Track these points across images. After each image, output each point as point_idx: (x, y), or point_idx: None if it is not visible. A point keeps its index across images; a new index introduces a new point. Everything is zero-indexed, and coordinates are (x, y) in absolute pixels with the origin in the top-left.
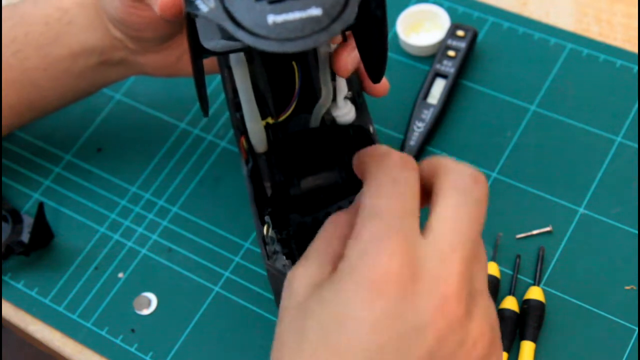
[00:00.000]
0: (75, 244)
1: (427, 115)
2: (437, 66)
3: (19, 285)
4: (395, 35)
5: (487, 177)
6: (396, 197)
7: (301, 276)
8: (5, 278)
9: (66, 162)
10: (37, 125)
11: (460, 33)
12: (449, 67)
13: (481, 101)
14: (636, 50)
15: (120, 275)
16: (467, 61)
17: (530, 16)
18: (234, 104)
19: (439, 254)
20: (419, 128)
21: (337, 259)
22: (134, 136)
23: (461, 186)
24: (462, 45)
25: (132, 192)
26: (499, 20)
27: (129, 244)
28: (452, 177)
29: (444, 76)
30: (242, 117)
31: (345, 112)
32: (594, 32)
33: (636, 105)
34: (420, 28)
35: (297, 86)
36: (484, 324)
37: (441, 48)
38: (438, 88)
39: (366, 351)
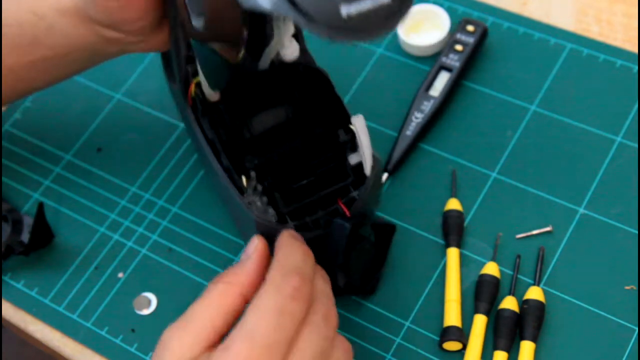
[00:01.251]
0: (75, 244)
1: (427, 107)
2: (443, 59)
3: (19, 285)
4: (395, 35)
5: (487, 177)
6: (277, 327)
7: (179, 343)
8: (5, 278)
9: (66, 162)
10: (37, 125)
11: (470, 28)
12: (454, 60)
13: (481, 101)
14: (636, 50)
15: (120, 275)
16: (475, 57)
17: (530, 16)
18: (186, 58)
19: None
20: (417, 119)
21: (216, 337)
22: (134, 136)
23: (324, 317)
24: (471, 40)
25: (132, 192)
26: (499, 20)
27: (129, 244)
28: (316, 309)
29: (448, 69)
30: (194, 69)
31: (292, 50)
32: (594, 32)
33: (636, 105)
34: (420, 28)
35: (246, 31)
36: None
37: (449, 41)
38: (441, 81)
39: None
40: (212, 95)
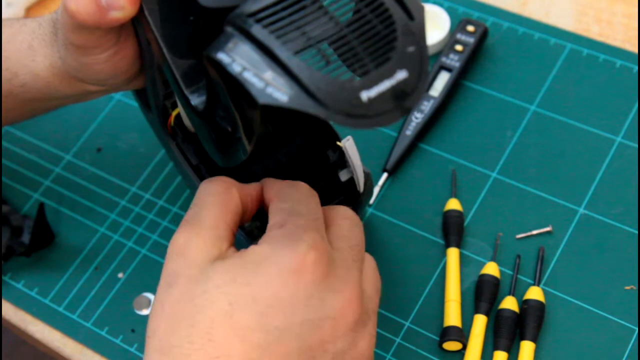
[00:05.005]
0: (75, 244)
1: (427, 107)
2: (443, 59)
3: (19, 285)
4: None
5: (487, 177)
6: (314, 207)
7: (197, 247)
8: (5, 278)
9: (66, 162)
10: (37, 125)
11: (470, 28)
12: (454, 61)
13: (481, 101)
14: (636, 50)
15: (120, 275)
16: (475, 57)
17: (530, 16)
18: (164, 95)
19: (344, 262)
20: (417, 119)
21: (231, 235)
22: (134, 136)
23: (345, 215)
24: (471, 40)
25: (132, 192)
26: (499, 20)
27: (129, 244)
28: (337, 210)
29: (448, 69)
30: (172, 101)
31: None
32: (594, 32)
33: (636, 105)
34: None
35: None
36: (370, 343)
37: (449, 41)
38: (441, 81)
39: (268, 332)
40: (192, 126)
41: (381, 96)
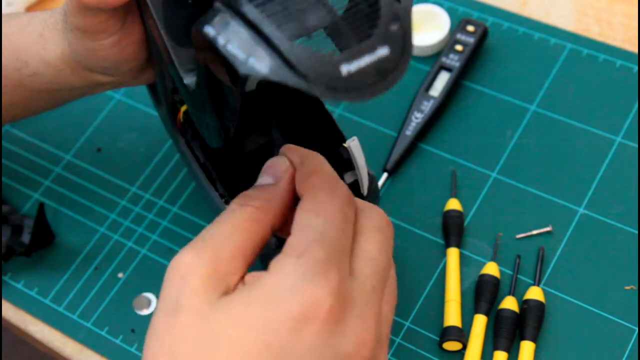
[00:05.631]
0: (75, 244)
1: (427, 107)
2: (443, 59)
3: (19, 285)
4: None
5: (487, 177)
6: (344, 232)
7: (203, 276)
8: (5, 278)
9: (66, 162)
10: (37, 125)
11: (470, 28)
12: (454, 61)
13: (481, 101)
14: (636, 50)
15: (120, 275)
16: (475, 57)
17: (530, 16)
18: (172, 89)
19: (364, 294)
20: (417, 119)
21: (246, 269)
22: (134, 136)
23: (379, 226)
24: (471, 40)
25: (132, 192)
26: (499, 20)
27: (129, 244)
28: (371, 218)
29: (448, 69)
30: (180, 98)
31: None
32: (594, 32)
33: (636, 105)
34: (420, 28)
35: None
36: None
37: (449, 42)
38: (441, 81)
39: None
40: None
41: (361, 71)
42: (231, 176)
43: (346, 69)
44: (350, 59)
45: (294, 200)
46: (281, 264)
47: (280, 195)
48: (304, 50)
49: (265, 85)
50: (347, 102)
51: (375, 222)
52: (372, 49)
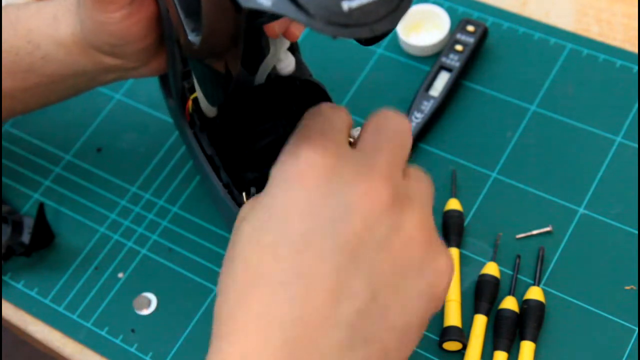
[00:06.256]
0: (75, 244)
1: (427, 107)
2: (443, 59)
3: (19, 286)
4: (395, 35)
5: (487, 177)
6: (337, 116)
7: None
8: (5, 278)
9: (66, 162)
10: (37, 125)
11: (470, 28)
12: (454, 61)
13: (481, 101)
14: (636, 50)
15: (120, 275)
16: (475, 57)
17: (530, 16)
18: (182, 74)
19: (361, 154)
20: (417, 119)
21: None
22: (134, 136)
23: (382, 116)
24: (471, 40)
25: (132, 192)
26: (499, 20)
27: (129, 244)
28: (376, 116)
29: (448, 70)
30: (190, 85)
31: (287, 64)
32: (594, 32)
33: (636, 105)
34: (420, 28)
35: (241, 46)
36: (418, 223)
37: (449, 42)
38: (441, 81)
39: (293, 242)
40: (209, 111)
41: (361, 8)
42: (237, 170)
43: (347, 5)
44: None
45: None
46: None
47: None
48: None
49: (275, 80)
50: (346, 37)
51: (375, 119)
52: None
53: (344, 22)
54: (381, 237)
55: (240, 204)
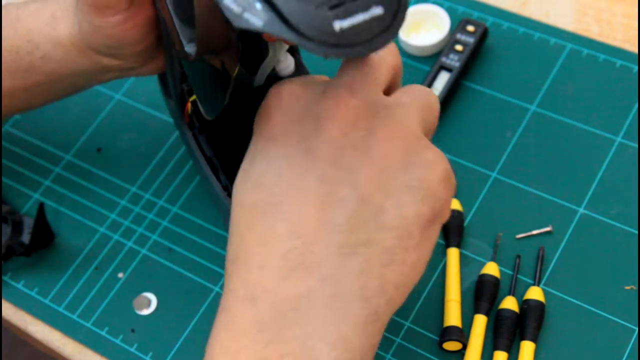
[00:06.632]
0: (75, 244)
1: None
2: (443, 59)
3: (19, 286)
4: None
5: (487, 177)
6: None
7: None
8: (5, 278)
9: (66, 162)
10: (37, 125)
11: (470, 28)
12: (454, 61)
13: (481, 101)
14: (636, 50)
15: (120, 275)
16: (475, 57)
17: (530, 16)
18: (181, 76)
19: (334, 79)
20: None
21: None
22: (134, 136)
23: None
24: (471, 40)
25: (132, 192)
26: (499, 20)
27: (129, 244)
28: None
29: (448, 70)
30: (189, 88)
31: (287, 65)
32: (594, 32)
33: (636, 105)
34: (420, 28)
35: (240, 47)
36: (397, 124)
37: (449, 42)
38: (441, 81)
39: (278, 167)
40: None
41: (354, 28)
42: (236, 172)
43: (339, 25)
44: (343, 15)
45: None
46: None
47: None
48: (298, 4)
49: (274, 81)
50: (337, 58)
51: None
52: (365, 7)
53: (336, 42)
54: (358, 140)
55: None
